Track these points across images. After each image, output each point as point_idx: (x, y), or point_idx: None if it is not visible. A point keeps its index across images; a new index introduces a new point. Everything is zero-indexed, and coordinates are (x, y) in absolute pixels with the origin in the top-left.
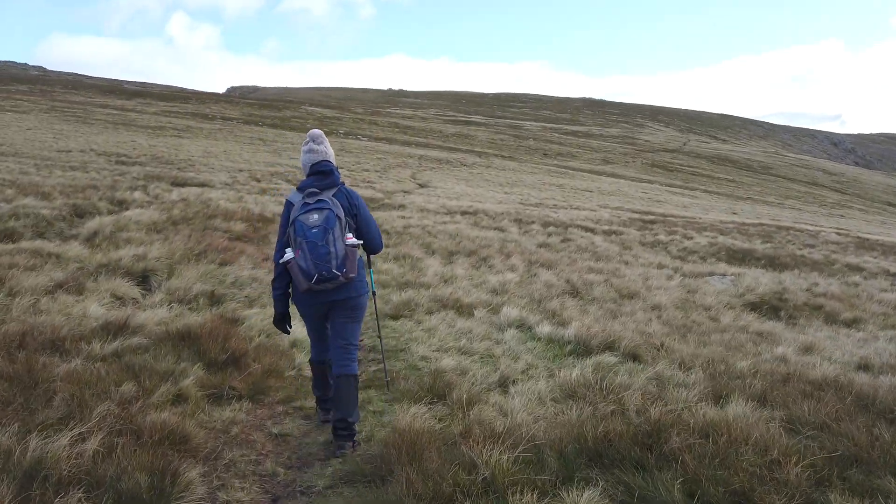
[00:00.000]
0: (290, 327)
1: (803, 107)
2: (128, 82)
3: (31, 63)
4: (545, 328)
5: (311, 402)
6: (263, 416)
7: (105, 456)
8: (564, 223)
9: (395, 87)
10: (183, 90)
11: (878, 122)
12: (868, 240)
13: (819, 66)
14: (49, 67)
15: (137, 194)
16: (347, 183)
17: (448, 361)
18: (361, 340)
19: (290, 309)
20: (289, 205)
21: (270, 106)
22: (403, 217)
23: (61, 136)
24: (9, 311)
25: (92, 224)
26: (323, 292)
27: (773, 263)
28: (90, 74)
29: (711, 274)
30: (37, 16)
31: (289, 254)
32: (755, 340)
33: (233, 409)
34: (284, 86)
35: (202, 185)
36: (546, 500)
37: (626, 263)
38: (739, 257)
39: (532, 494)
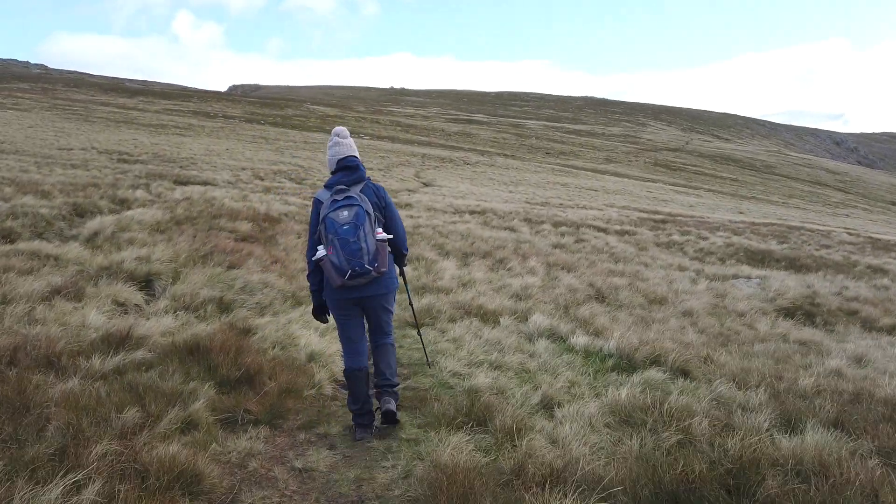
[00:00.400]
0: (329, 316)
1: (806, 105)
2: (129, 80)
3: (32, 61)
4: (580, 339)
5: (335, 428)
6: (284, 446)
7: None
8: (575, 223)
9: (398, 86)
10: (185, 88)
11: (881, 122)
12: (880, 240)
13: (823, 64)
14: (51, 66)
15: (140, 193)
16: None
17: (482, 379)
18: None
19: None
20: (317, 203)
21: (272, 104)
22: (412, 217)
23: (63, 134)
24: (1, 320)
25: (93, 224)
26: (356, 288)
27: (793, 265)
28: (92, 73)
29: (736, 277)
30: (39, 14)
31: (321, 251)
32: (801, 351)
33: (249, 436)
34: (286, 84)
35: (205, 183)
36: None
37: (646, 265)
38: (758, 258)
39: None
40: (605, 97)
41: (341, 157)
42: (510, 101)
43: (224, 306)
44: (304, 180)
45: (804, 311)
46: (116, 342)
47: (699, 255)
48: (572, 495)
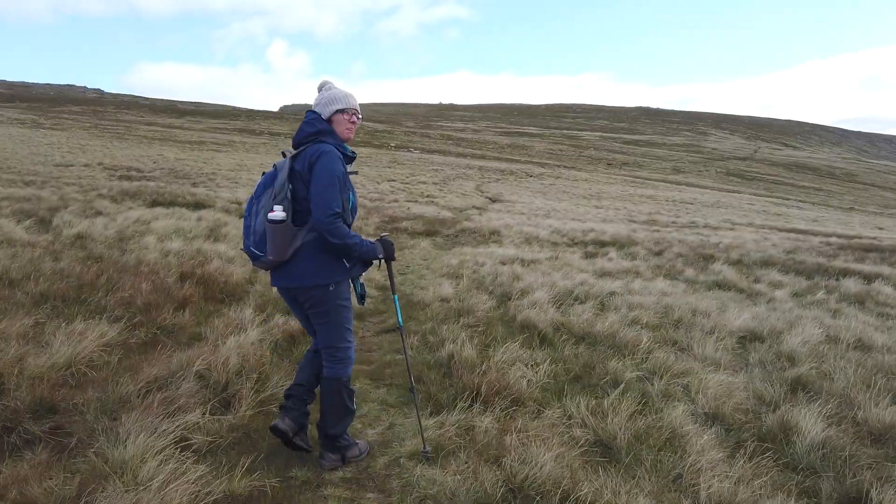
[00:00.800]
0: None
1: (875, 111)
2: (182, 102)
3: (107, 90)
4: None
5: None
6: None
7: None
8: (774, 259)
9: (446, 101)
10: (235, 108)
11: None
12: None
13: (891, 68)
14: (136, 93)
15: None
16: (403, 198)
17: None
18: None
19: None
20: None
21: None
22: (508, 262)
23: (78, 151)
24: None
25: None
26: (273, 274)
27: None
28: (174, 98)
29: None
30: (130, 46)
31: None
32: None
33: None
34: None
35: (197, 204)
36: None
37: None
38: None
39: None
40: (661, 107)
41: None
42: (561, 113)
43: None
44: None
45: None
46: None
47: None
48: None
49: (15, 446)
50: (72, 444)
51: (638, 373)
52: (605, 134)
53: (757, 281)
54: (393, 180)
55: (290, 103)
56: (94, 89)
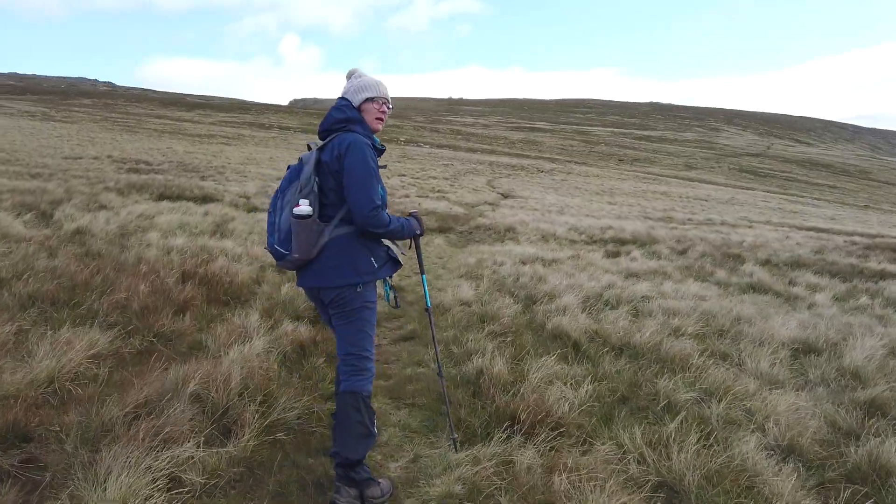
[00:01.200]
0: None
1: (888, 108)
2: (191, 96)
3: (119, 83)
4: None
5: None
6: None
7: None
8: (804, 259)
9: (455, 96)
10: (244, 102)
11: None
12: None
13: None
14: (148, 87)
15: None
16: (414, 193)
17: None
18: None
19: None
20: None
21: None
22: (529, 261)
23: (87, 144)
24: None
25: None
26: (299, 274)
27: None
28: (184, 92)
29: None
30: (146, 40)
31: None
32: None
33: None
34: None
35: (205, 198)
36: None
37: None
38: None
39: None
40: (673, 102)
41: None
42: (572, 109)
43: None
44: None
45: None
46: None
47: None
48: None
49: None
50: (45, 482)
51: (692, 393)
52: (616, 129)
53: (792, 283)
54: (403, 175)
55: (299, 97)
56: (106, 82)
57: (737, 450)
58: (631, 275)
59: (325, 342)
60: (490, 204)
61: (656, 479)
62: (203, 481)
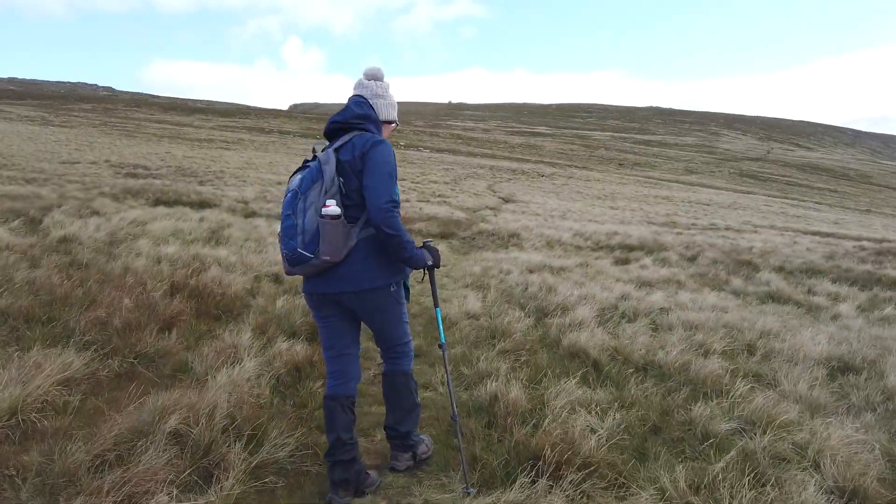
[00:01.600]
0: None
1: (888, 111)
2: (192, 100)
3: (122, 87)
4: None
5: None
6: None
7: None
8: (818, 266)
9: (455, 101)
10: (245, 107)
11: None
12: None
13: None
14: (149, 91)
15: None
16: (414, 197)
17: None
18: None
19: None
20: None
21: None
22: (536, 270)
23: (86, 149)
24: None
25: None
26: (311, 279)
27: None
28: (185, 96)
29: None
30: (150, 44)
31: (277, 226)
32: None
33: None
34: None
35: (202, 203)
36: None
37: None
38: None
39: None
40: (673, 106)
41: (350, 96)
42: (572, 113)
43: None
44: None
45: None
46: None
47: None
48: None
49: None
50: None
51: (731, 423)
52: (616, 134)
53: (811, 293)
54: (403, 179)
55: (299, 102)
56: (105, 87)
57: (797, 497)
58: (644, 284)
59: (322, 363)
60: (492, 209)
61: None
62: None
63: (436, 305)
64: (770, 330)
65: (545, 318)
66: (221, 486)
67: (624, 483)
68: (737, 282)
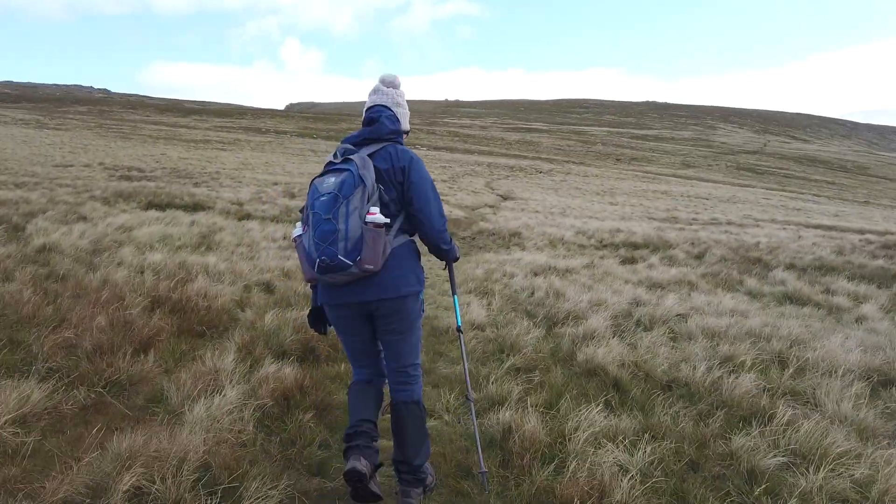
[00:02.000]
0: (330, 325)
1: (886, 104)
2: (187, 101)
3: (120, 89)
4: None
5: None
6: None
7: None
8: (828, 262)
9: (452, 98)
10: (241, 107)
11: None
12: None
13: None
14: (148, 94)
15: None
16: None
17: None
18: None
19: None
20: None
21: (326, 119)
22: (541, 272)
23: (80, 151)
24: None
25: None
26: (341, 288)
27: None
28: (180, 98)
29: None
30: (147, 47)
31: (297, 228)
32: None
33: None
34: (343, 101)
35: (195, 206)
36: None
37: None
38: None
39: None
40: (669, 101)
41: (368, 107)
42: (569, 109)
43: None
44: None
45: None
46: None
47: None
48: None
49: None
50: None
51: (779, 457)
52: (612, 129)
53: (828, 292)
54: None
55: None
56: (101, 89)
57: None
58: (654, 285)
59: (315, 388)
60: (490, 206)
61: None
62: None
63: (454, 293)
64: (797, 337)
65: (555, 327)
66: None
67: None
68: (751, 282)
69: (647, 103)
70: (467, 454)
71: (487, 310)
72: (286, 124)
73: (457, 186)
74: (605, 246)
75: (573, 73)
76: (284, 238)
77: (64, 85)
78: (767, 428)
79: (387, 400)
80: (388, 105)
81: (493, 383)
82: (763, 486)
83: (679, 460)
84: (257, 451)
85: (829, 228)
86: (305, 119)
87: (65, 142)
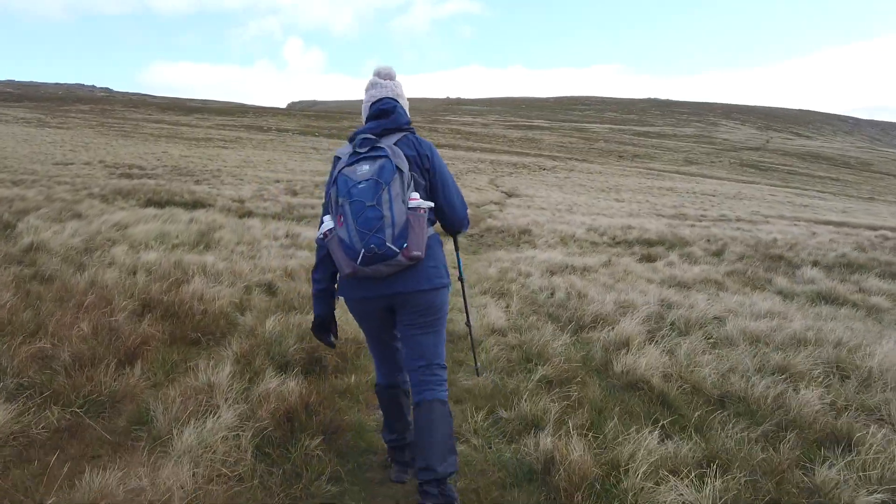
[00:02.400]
0: (336, 337)
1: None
2: (189, 100)
3: (122, 89)
4: None
5: None
6: None
7: None
8: (854, 259)
9: (453, 96)
10: (242, 105)
11: None
12: None
13: None
14: (153, 92)
15: None
16: None
17: None
18: None
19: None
20: (335, 160)
21: (328, 117)
22: (558, 271)
23: (81, 149)
24: None
25: None
26: (376, 281)
27: None
28: (182, 96)
29: None
30: (148, 47)
31: (327, 222)
32: None
33: None
34: (345, 99)
35: (195, 203)
36: None
37: None
38: None
39: None
40: (671, 98)
41: (374, 100)
42: (570, 106)
43: None
44: None
45: None
46: None
47: None
48: None
49: None
50: None
51: (878, 494)
52: (614, 126)
53: (862, 291)
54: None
55: (297, 99)
56: (103, 88)
57: None
58: (679, 284)
59: (322, 406)
60: (496, 203)
61: None
62: None
63: (457, 254)
64: (847, 342)
65: (582, 331)
66: None
67: None
68: (780, 280)
69: (649, 100)
70: (504, 490)
71: (506, 312)
72: (288, 122)
73: (461, 183)
74: (618, 243)
75: (575, 71)
76: (287, 236)
77: (66, 84)
78: (851, 454)
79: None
80: (394, 97)
81: (525, 400)
82: (819, 498)
83: (756, 497)
84: (256, 487)
85: (840, 225)
86: (307, 117)
87: (66, 140)
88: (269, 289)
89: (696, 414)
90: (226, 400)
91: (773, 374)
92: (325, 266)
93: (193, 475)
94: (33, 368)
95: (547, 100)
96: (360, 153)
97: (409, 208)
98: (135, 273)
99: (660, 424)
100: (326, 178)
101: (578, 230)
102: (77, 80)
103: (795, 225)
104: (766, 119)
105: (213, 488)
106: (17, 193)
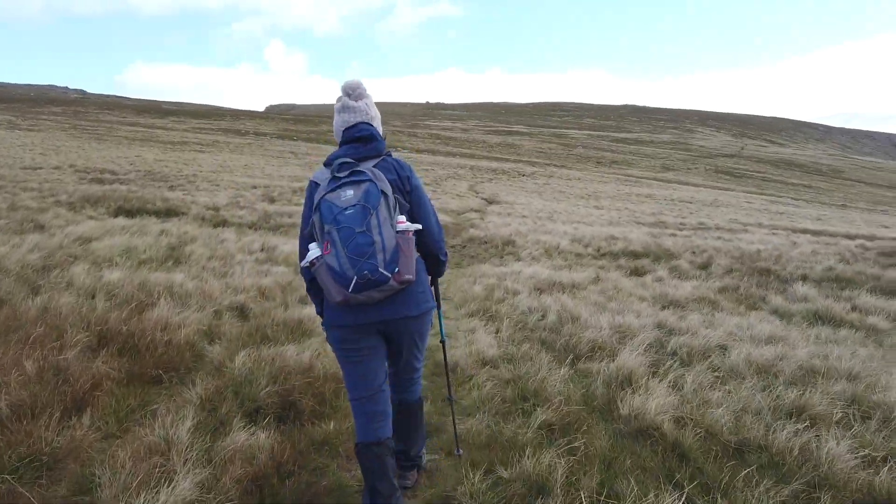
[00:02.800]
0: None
1: (859, 107)
2: (166, 103)
3: (101, 91)
4: None
5: None
6: None
7: None
8: (842, 274)
9: (433, 101)
10: (219, 108)
11: None
12: None
13: (874, 63)
14: (127, 95)
15: None
16: None
17: None
18: None
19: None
20: (312, 185)
21: (307, 121)
22: (546, 288)
23: (51, 153)
24: None
25: None
26: (367, 308)
27: None
28: (164, 99)
29: None
30: (132, 48)
31: (313, 250)
32: None
33: None
34: (322, 102)
35: (168, 211)
36: None
37: None
38: None
39: None
40: (648, 104)
41: (349, 125)
42: (549, 112)
43: None
44: None
45: None
46: None
47: None
48: None
49: None
50: None
51: None
52: (592, 132)
53: (856, 309)
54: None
55: (275, 103)
56: (77, 90)
57: None
58: (671, 304)
59: (298, 466)
60: (476, 211)
61: None
62: None
63: (438, 307)
64: (857, 373)
65: (579, 362)
66: None
67: None
68: (775, 299)
69: (627, 107)
70: None
71: (496, 338)
72: (266, 126)
73: (441, 190)
74: (603, 255)
75: (553, 76)
76: (262, 250)
77: (37, 85)
78: None
79: None
80: (368, 121)
81: (527, 456)
82: None
83: None
84: None
85: (818, 233)
86: (286, 121)
87: (36, 143)
88: (242, 312)
89: (719, 473)
90: (184, 462)
91: (791, 415)
92: (315, 289)
93: None
94: None
95: (526, 105)
96: (341, 178)
97: (397, 232)
98: (94, 296)
99: (671, 478)
100: (305, 183)
101: (562, 241)
102: (54, 81)
103: (775, 234)
104: (741, 126)
105: None
106: None
